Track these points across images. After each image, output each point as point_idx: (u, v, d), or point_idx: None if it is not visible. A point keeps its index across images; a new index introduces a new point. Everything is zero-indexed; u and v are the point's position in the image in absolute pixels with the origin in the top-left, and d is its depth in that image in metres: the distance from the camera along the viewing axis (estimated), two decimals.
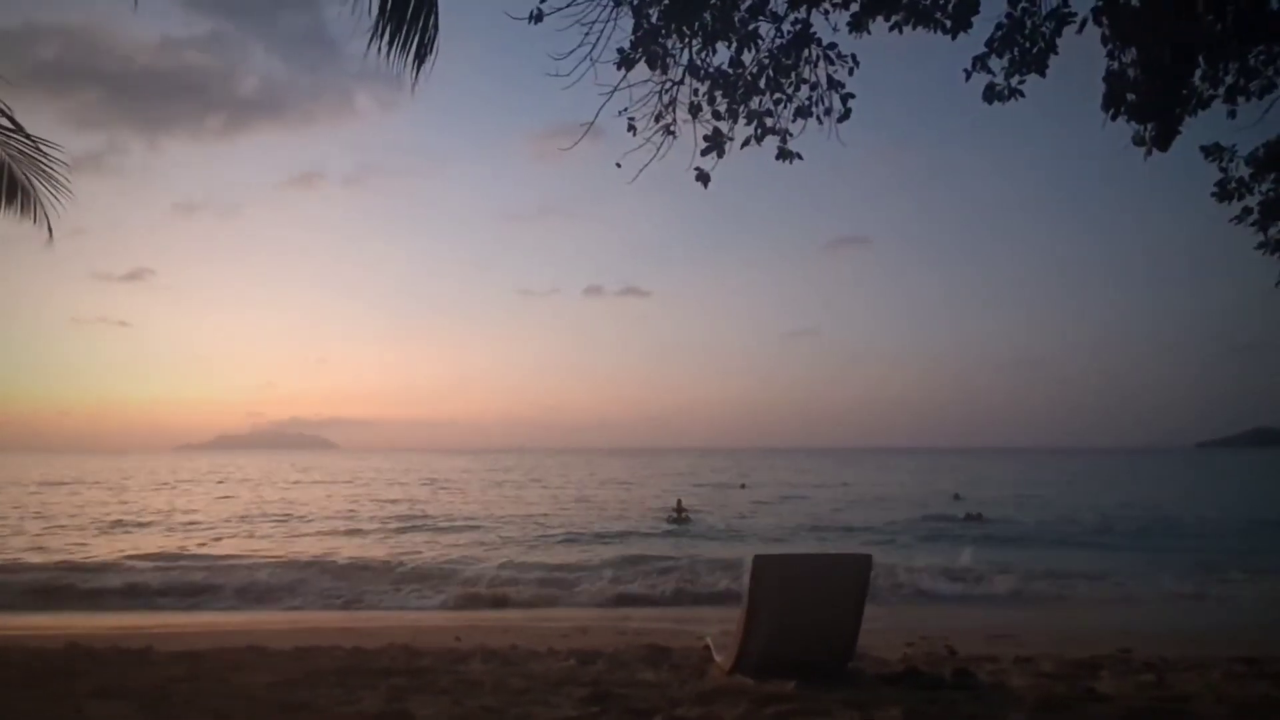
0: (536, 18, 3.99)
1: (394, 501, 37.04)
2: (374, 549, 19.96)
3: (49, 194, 5.82)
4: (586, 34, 3.99)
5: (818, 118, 4.10)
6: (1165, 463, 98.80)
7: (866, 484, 52.57)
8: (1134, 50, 3.87)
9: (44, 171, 5.73)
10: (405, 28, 5.96)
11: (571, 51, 4.05)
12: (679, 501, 29.12)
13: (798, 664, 5.64)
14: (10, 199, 5.60)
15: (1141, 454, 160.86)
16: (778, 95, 4.11)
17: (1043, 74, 3.95)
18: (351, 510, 32.36)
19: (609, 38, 4.04)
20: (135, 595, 13.58)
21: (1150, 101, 3.88)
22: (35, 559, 18.00)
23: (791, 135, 4.14)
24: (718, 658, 6.10)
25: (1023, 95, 4.01)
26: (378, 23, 5.75)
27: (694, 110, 4.16)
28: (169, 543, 21.17)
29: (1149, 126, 4.00)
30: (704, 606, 12.58)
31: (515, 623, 10.59)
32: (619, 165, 4.09)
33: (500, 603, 13.04)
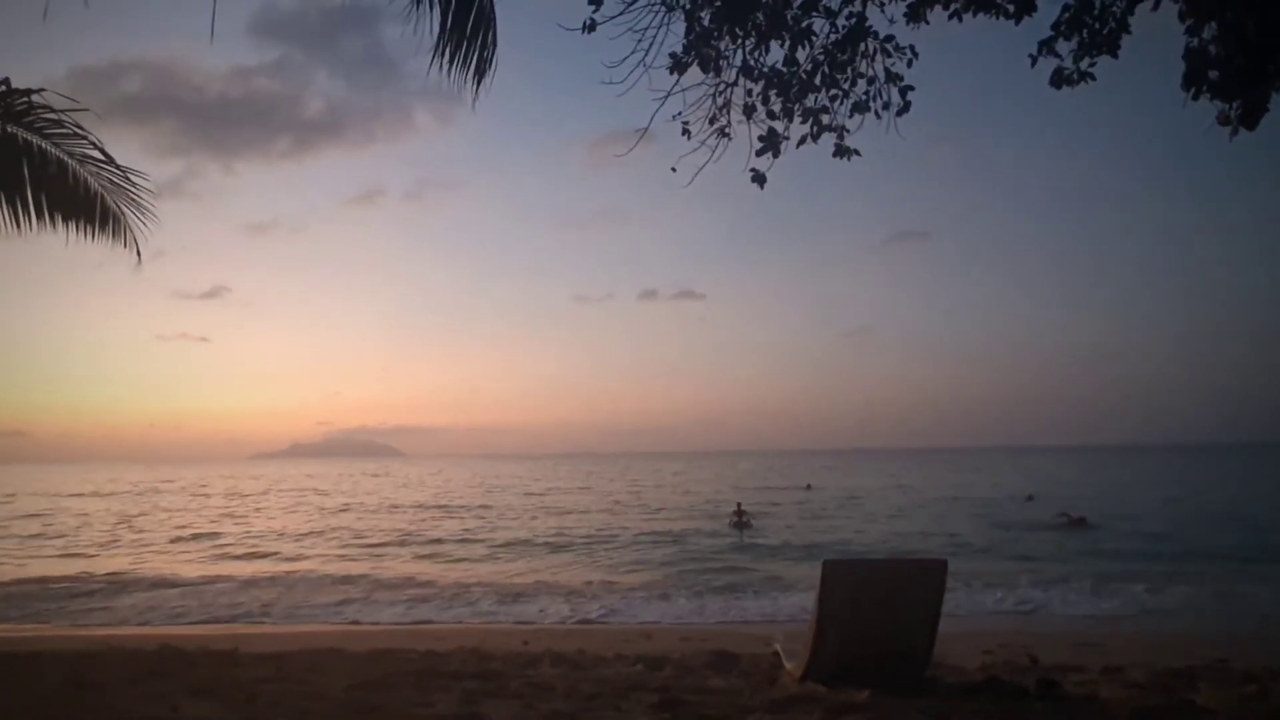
0: (590, 27, 4.02)
1: (459, 508, 37.69)
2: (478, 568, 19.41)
3: (137, 220, 6.23)
4: (639, 40, 4.01)
5: (875, 112, 4.01)
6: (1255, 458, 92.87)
7: (933, 486, 50.88)
8: (1215, 25, 3.66)
9: (132, 199, 6.13)
10: (465, 44, 6.11)
11: (624, 59, 4.07)
12: (739, 505, 28.71)
13: (871, 672, 5.50)
14: (103, 226, 6.01)
15: (1228, 449, 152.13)
16: (834, 92, 4.04)
17: (1114, 55, 3.77)
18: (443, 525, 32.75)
19: (661, 43, 4.04)
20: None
21: (1235, 78, 3.66)
22: (129, 565, 19.01)
23: (848, 131, 4.07)
24: (788, 665, 6.01)
25: (1093, 79, 3.83)
26: (439, 41, 5.90)
27: (748, 111, 4.12)
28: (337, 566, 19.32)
29: (1234, 105, 3.77)
30: (768, 612, 12.44)
31: (580, 627, 10.65)
32: (674, 170, 4.09)
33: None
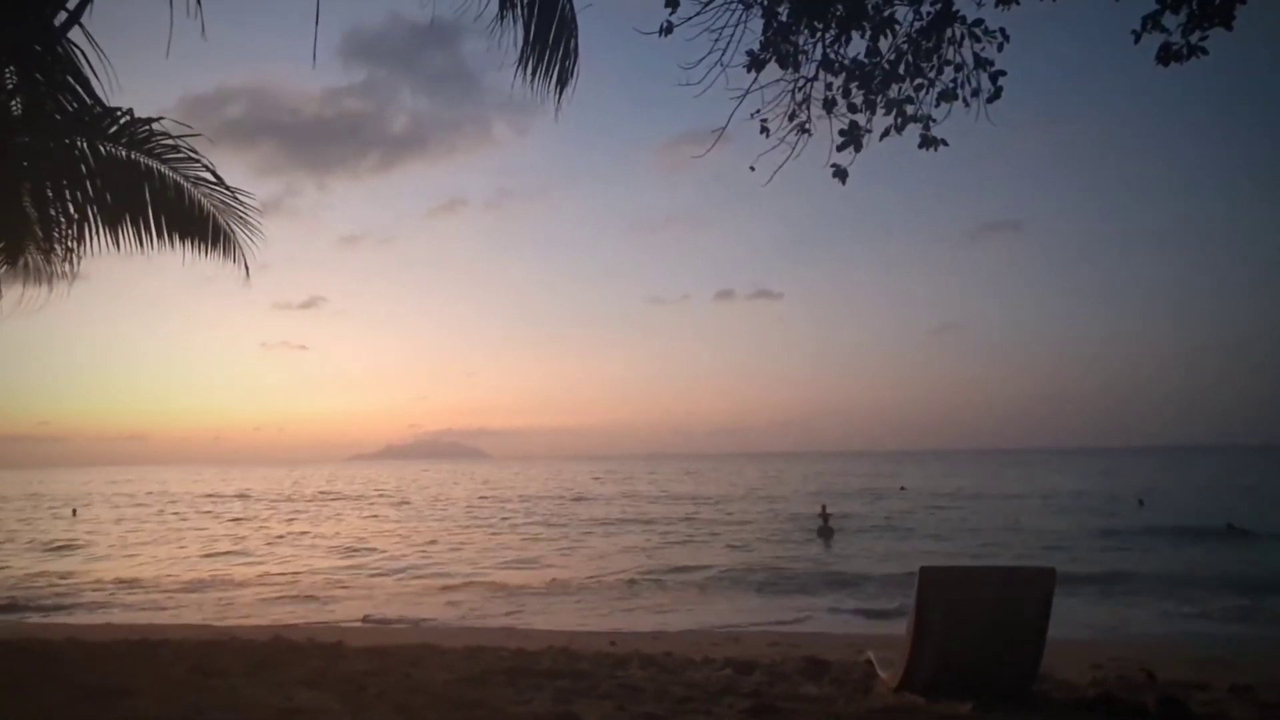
0: (666, 30, 4.03)
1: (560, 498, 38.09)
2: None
3: (245, 237, 6.70)
4: (716, 40, 3.98)
5: (964, 100, 3.84)
6: None
7: (1032, 488, 48.08)
8: None
9: (240, 218, 6.59)
10: (548, 55, 6.22)
11: (701, 59, 4.05)
12: (823, 508, 27.92)
13: (972, 684, 5.28)
14: (215, 243, 6.48)
15: None
16: (919, 81, 3.90)
17: (1229, 27, 3.48)
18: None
19: (739, 41, 4.00)
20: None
21: None
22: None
23: (935, 121, 3.90)
24: (882, 674, 5.83)
25: (1205, 53, 3.55)
26: (523, 52, 6.03)
27: (828, 105, 4.03)
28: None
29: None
30: (857, 619, 12.12)
31: (664, 628, 10.63)
32: (753, 168, 4.04)
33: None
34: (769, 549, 21.26)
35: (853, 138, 4.00)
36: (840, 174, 4.09)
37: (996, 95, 3.80)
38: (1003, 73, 3.79)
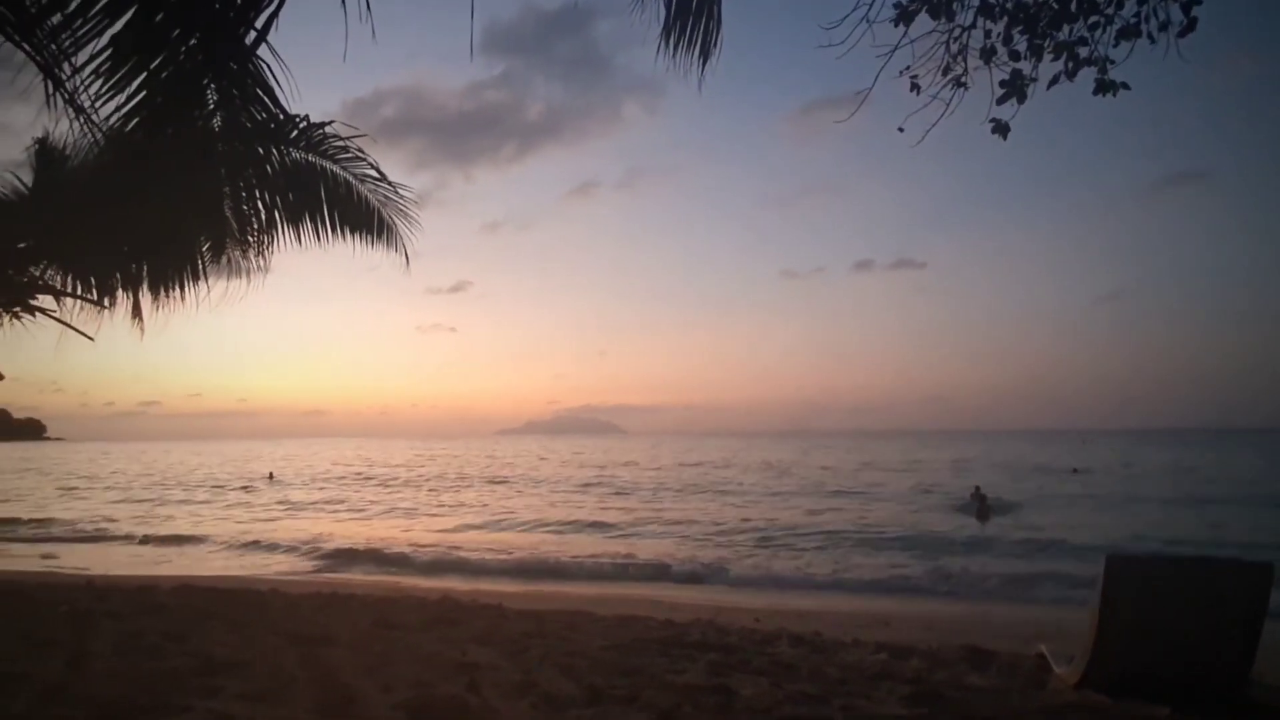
0: None
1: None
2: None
3: (405, 228, 7.22)
4: None
5: (1149, 35, 3.34)
6: None
7: (1227, 472, 40.96)
8: None
9: (401, 210, 7.12)
10: (691, 23, 6.12)
11: (845, 17, 3.80)
12: (977, 488, 25.88)
13: (1166, 686, 4.76)
14: (379, 235, 7.03)
15: None
16: (1094, 19, 3.43)
17: None
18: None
19: None
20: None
21: None
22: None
23: (1112, 63, 3.43)
24: (1057, 669, 5.40)
25: None
26: (667, 22, 5.97)
27: (987, 55, 3.64)
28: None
29: None
30: (1018, 607, 11.23)
31: (810, 608, 10.37)
32: (901, 129, 3.75)
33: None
34: (917, 529, 20.05)
35: (1015, 88, 3.60)
36: (1001, 129, 3.70)
37: (1190, 27, 3.27)
38: (1198, 0, 3.26)
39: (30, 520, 24.21)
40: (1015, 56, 3.60)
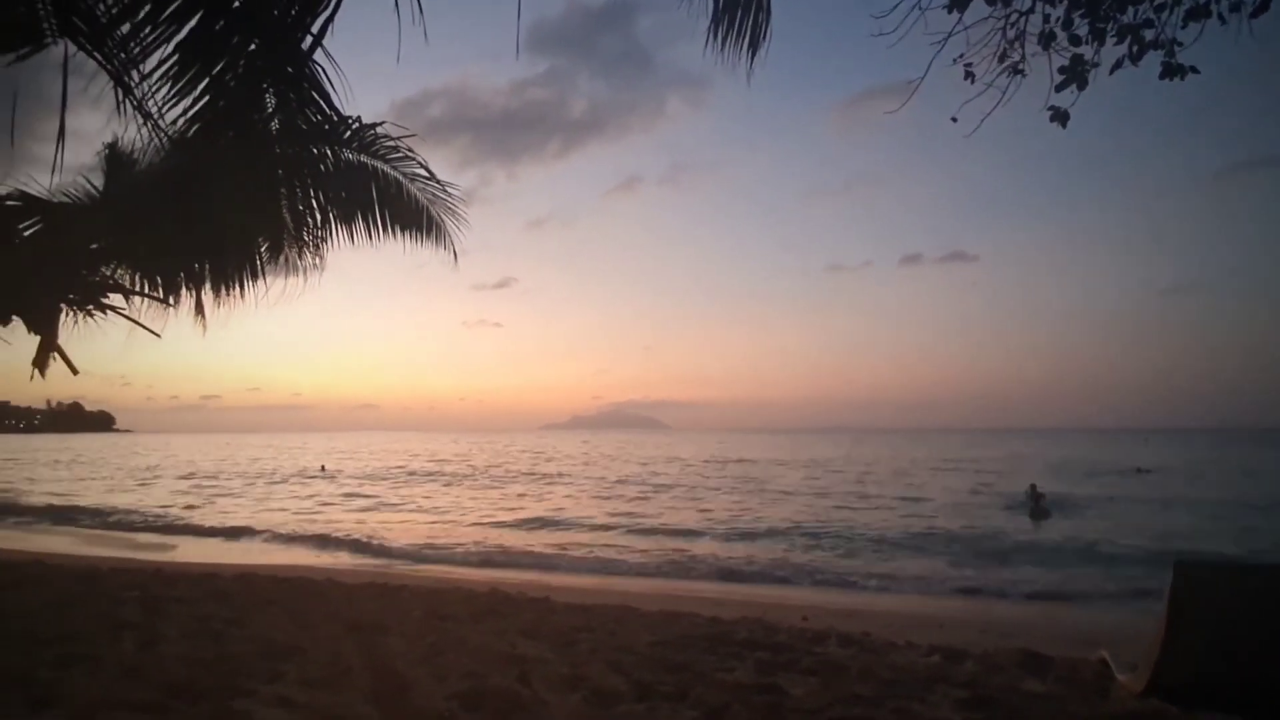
0: None
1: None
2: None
3: (453, 226, 7.33)
4: None
5: (1219, 16, 3.19)
6: None
7: None
8: None
9: (449, 208, 7.23)
10: (740, 14, 6.06)
11: (896, 5, 3.72)
12: (1033, 486, 25.00)
13: (1236, 696, 4.57)
14: (428, 233, 7.16)
15: None
16: (1161, 0, 3.30)
17: None
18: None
19: None
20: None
21: None
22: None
23: (1181, 46, 3.29)
24: (1120, 676, 5.22)
25: None
26: (715, 14, 5.93)
27: (1046, 40, 3.53)
28: None
29: None
30: (1074, 609, 10.89)
31: (858, 608, 10.19)
32: (954, 119, 3.66)
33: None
34: (970, 527, 19.51)
35: (1076, 74, 3.48)
36: (1060, 117, 3.58)
37: (1264, 7, 3.11)
38: None
39: (103, 508, 25.32)
40: (1076, 41, 3.48)
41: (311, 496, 30.77)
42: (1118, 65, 3.42)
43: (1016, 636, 7.51)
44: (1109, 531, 18.97)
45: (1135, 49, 3.37)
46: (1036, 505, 23.26)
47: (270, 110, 4.50)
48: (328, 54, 4.13)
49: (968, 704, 4.82)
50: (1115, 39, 3.40)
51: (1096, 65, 3.45)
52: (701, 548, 16.98)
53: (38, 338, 6.65)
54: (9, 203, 6.24)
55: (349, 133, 6.41)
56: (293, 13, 3.43)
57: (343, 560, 15.54)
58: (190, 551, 16.53)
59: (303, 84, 4.30)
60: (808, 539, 17.99)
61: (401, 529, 20.56)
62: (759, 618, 7.74)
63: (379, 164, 6.72)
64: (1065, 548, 16.42)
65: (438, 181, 6.96)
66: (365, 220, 6.75)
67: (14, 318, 6.47)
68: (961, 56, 3.69)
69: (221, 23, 3.40)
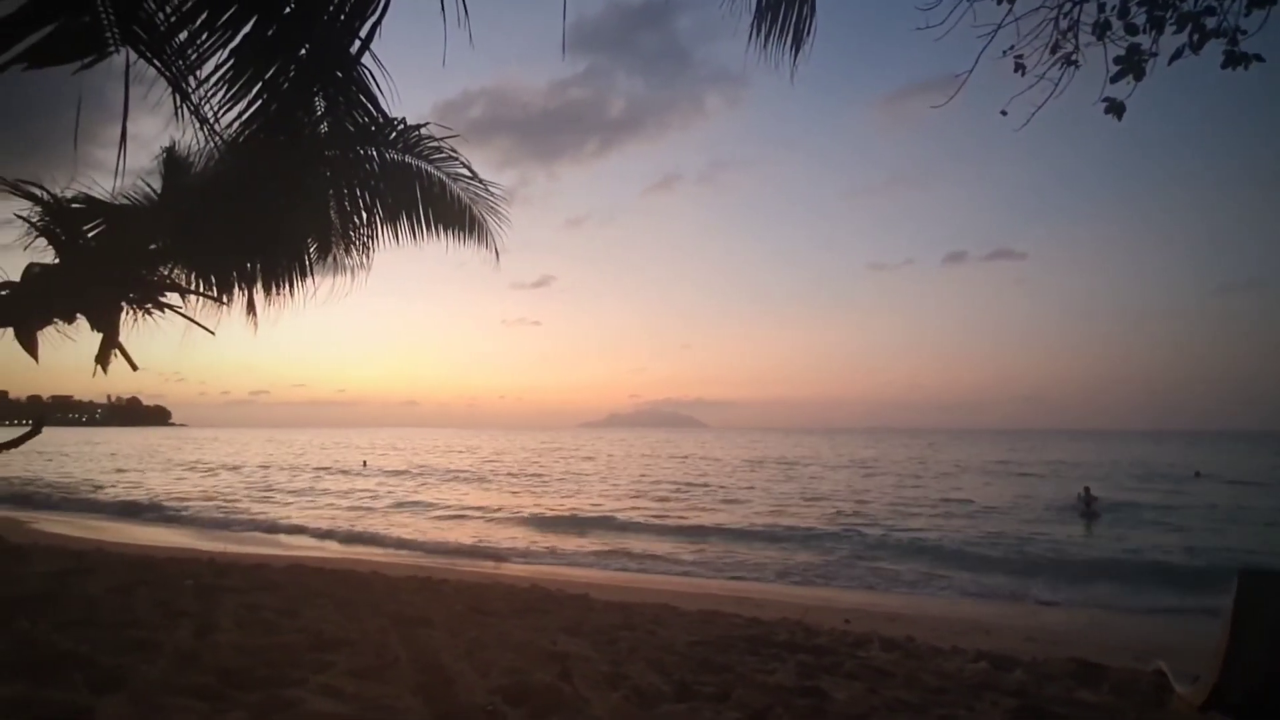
0: None
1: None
2: None
3: (495, 225, 7.40)
4: None
5: None
6: None
7: None
8: None
9: (491, 207, 7.30)
10: (784, 12, 6.00)
11: None
12: (1086, 489, 24.33)
13: None
14: (470, 232, 7.25)
15: None
16: None
17: None
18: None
19: None
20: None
21: None
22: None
23: (1244, 34, 3.16)
24: (1179, 688, 5.05)
25: None
26: (759, 10, 5.88)
27: (1101, 30, 3.42)
28: None
29: None
30: (1127, 617, 10.57)
31: (901, 611, 10.01)
32: (1004, 113, 3.57)
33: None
34: (1019, 531, 19.11)
35: (1132, 65, 3.37)
36: (1115, 109, 3.47)
37: None
38: None
39: (161, 497, 26.18)
40: (1133, 30, 3.37)
41: (354, 491, 31.43)
42: (1177, 55, 3.31)
43: (1066, 644, 7.33)
44: (1164, 538, 18.44)
45: (1196, 38, 3.25)
46: (1089, 508, 22.79)
47: (320, 113, 4.59)
48: (375, 57, 4.21)
49: (1018, 713, 4.71)
50: (1174, 28, 3.29)
51: (1154, 55, 3.34)
52: (740, 547, 16.92)
53: (100, 335, 6.89)
54: (74, 205, 6.48)
55: (394, 134, 6.51)
56: (342, 17, 3.49)
57: (386, 553, 15.82)
58: (240, 540, 17.01)
59: (351, 87, 4.38)
60: (849, 540, 17.81)
61: (442, 524, 20.86)
62: (800, 619, 7.66)
63: (422, 164, 6.82)
64: (1118, 554, 15.96)
65: (480, 180, 7.04)
66: (409, 219, 6.86)
67: (78, 316, 6.72)
68: (1012, 48, 3.60)
69: (274, 28, 3.48)
